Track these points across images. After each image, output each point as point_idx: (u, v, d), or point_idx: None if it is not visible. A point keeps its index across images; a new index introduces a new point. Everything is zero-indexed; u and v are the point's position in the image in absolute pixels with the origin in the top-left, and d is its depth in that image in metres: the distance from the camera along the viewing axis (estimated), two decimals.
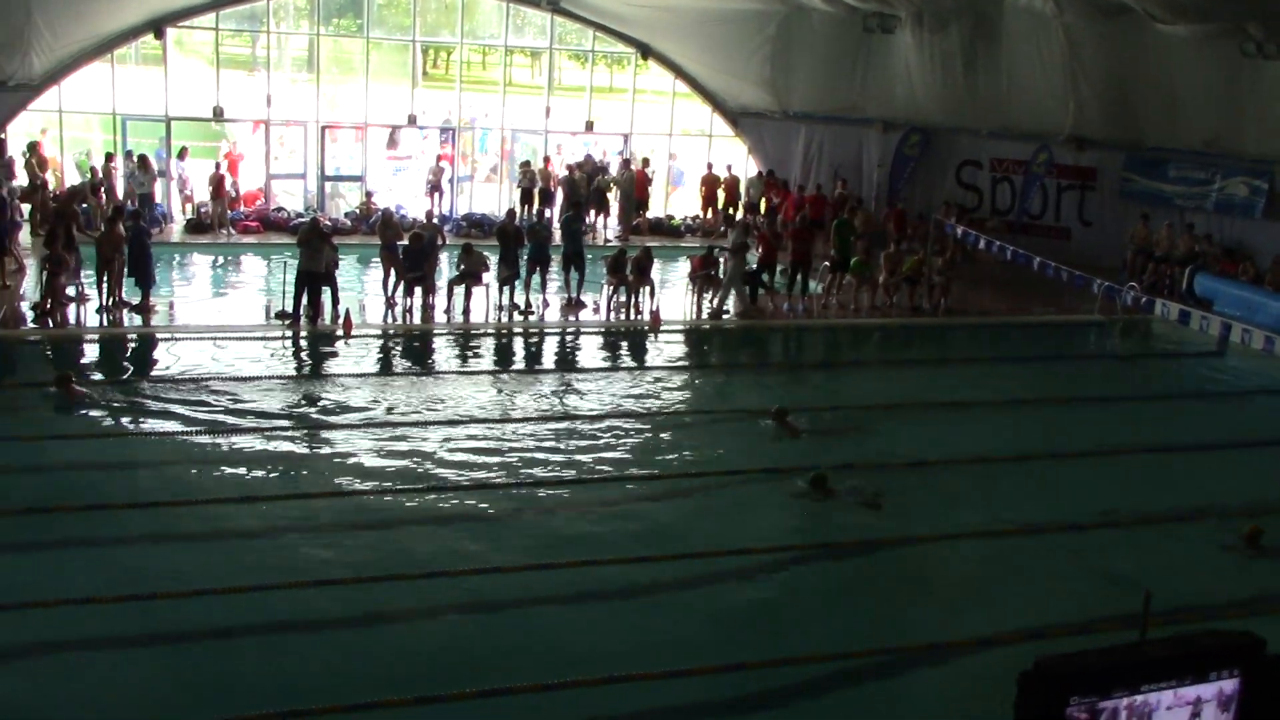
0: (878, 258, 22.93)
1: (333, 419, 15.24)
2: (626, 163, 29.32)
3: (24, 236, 22.21)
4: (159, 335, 18.59)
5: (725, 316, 21.40)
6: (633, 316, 21.11)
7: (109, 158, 25.60)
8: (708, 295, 21.86)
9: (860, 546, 12.27)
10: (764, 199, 29.12)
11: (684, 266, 24.10)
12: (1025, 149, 27.40)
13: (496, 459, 14.01)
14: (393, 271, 20.77)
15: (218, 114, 27.40)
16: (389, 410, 15.68)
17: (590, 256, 22.40)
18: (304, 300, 19.11)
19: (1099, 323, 22.77)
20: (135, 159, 25.48)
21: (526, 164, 28.59)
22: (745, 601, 11.09)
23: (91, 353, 18.08)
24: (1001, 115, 27.20)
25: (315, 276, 19.15)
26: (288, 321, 19.12)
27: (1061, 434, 16.16)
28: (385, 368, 18.14)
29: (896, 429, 16.10)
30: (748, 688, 9.47)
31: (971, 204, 28.21)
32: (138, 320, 18.99)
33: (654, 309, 20.99)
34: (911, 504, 13.43)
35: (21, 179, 24.08)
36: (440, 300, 20.80)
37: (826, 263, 22.79)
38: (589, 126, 30.35)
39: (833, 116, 29.36)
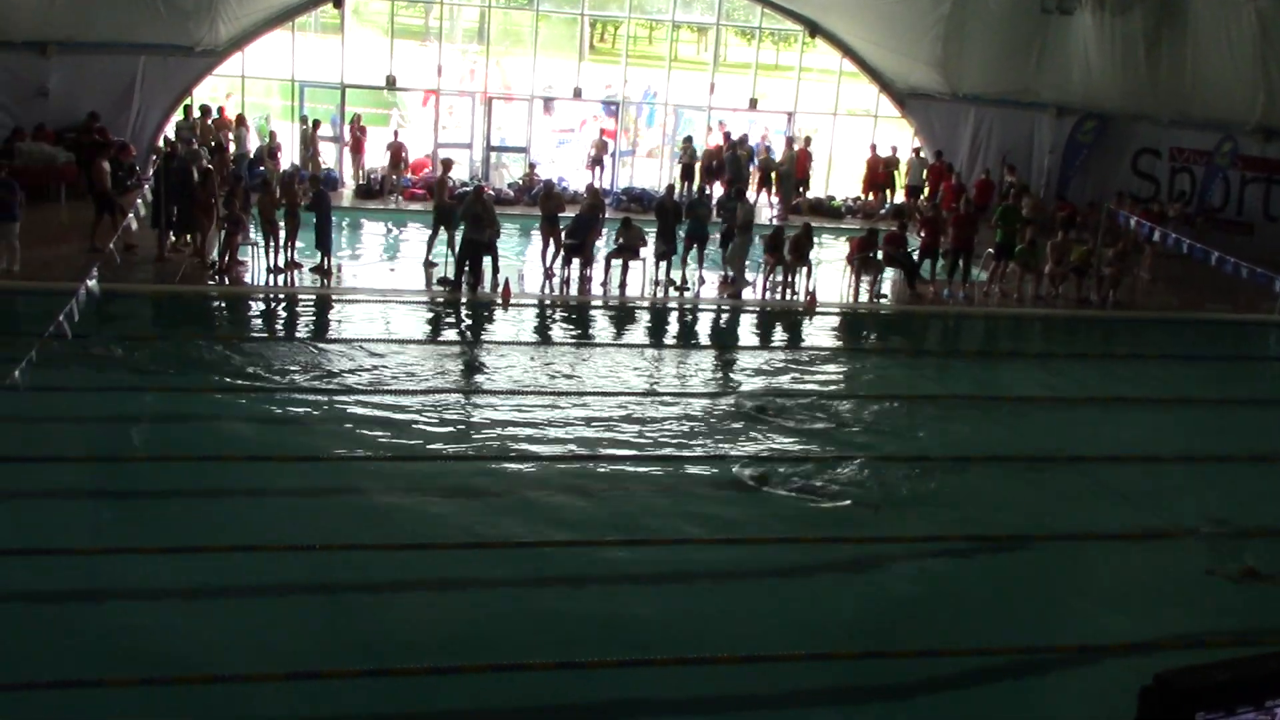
0: (1044, 246, 22.28)
1: (484, 385, 15.55)
2: (789, 141, 29.07)
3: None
4: (323, 296, 19.23)
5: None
6: (788, 297, 20.99)
7: (315, 124, 26.49)
8: (866, 278, 21.57)
9: (1009, 541, 12.00)
10: (926, 182, 28.59)
11: (843, 248, 23.82)
12: (1208, 138, 26.27)
13: (640, 431, 14.10)
14: (552, 243, 21.06)
15: (390, 83, 28.11)
16: (539, 378, 15.92)
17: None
18: (466, 268, 19.53)
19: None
20: (311, 124, 26.37)
21: (689, 140, 28.59)
22: (890, 590, 10.96)
23: (258, 309, 18.82)
24: (1184, 102, 26.09)
25: (477, 245, 19.54)
26: (449, 288, 19.56)
27: (1229, 437, 15.51)
28: (540, 337, 18.41)
29: (1052, 423, 15.71)
30: (880, 678, 9.40)
31: (1147, 194, 27.16)
32: (307, 281, 19.68)
33: (810, 290, 20.81)
34: (1060, 500, 13.11)
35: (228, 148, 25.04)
36: (597, 273, 21.01)
37: (990, 250, 22.26)
38: (753, 104, 30.18)
39: (1004, 100, 28.59)
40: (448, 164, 22.69)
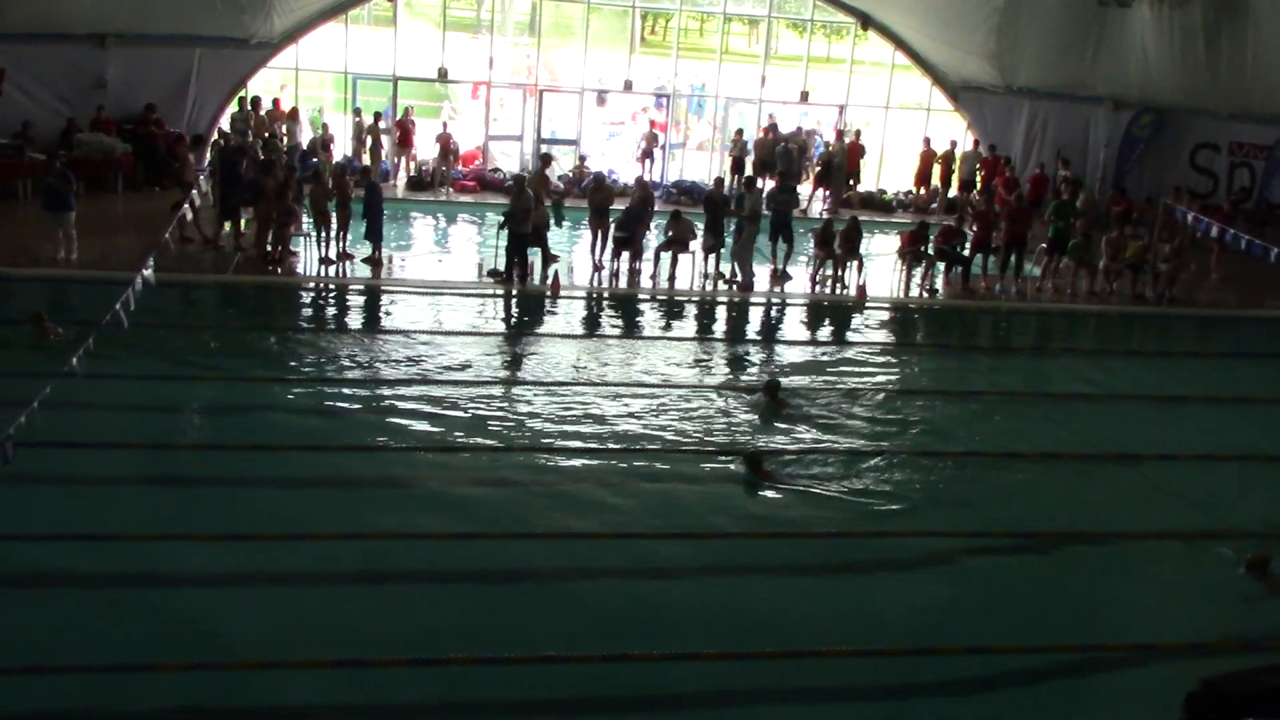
0: (1099, 242, 22.00)
1: (531, 377, 15.58)
2: (840, 134, 28.90)
3: None
4: (374, 286, 19.37)
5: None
6: (838, 290, 20.87)
7: (377, 117, 26.69)
8: (916, 272, 21.41)
9: (1059, 539, 11.87)
10: (979, 176, 28.30)
11: (893, 242, 23.66)
12: (1268, 133, 25.84)
13: (686, 425, 14.08)
14: (601, 235, 21.07)
15: (442, 75, 28.24)
16: (587, 371, 15.94)
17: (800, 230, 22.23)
18: (515, 260, 19.60)
19: None
20: (373, 116, 26.58)
21: (740, 133, 28.49)
22: (938, 587, 10.87)
23: (306, 299, 19.00)
24: (1244, 96, 25.61)
25: (526, 237, 19.60)
26: (498, 280, 19.63)
27: None
28: (589, 330, 18.43)
29: (1105, 420, 15.53)
30: (929, 674, 9.34)
31: (1205, 189, 26.74)
32: (358, 272, 19.82)
33: (860, 283, 20.68)
34: (1111, 498, 12.96)
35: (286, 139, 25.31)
36: (647, 265, 21.00)
37: (1043, 244, 22.01)
38: (804, 97, 30.01)
39: (1059, 93, 28.24)
40: (546, 159, 22.73)
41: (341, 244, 20.19)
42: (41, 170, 20.71)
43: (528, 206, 19.58)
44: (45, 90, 23.65)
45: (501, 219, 19.90)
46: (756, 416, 14.41)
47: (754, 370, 16.66)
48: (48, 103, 23.70)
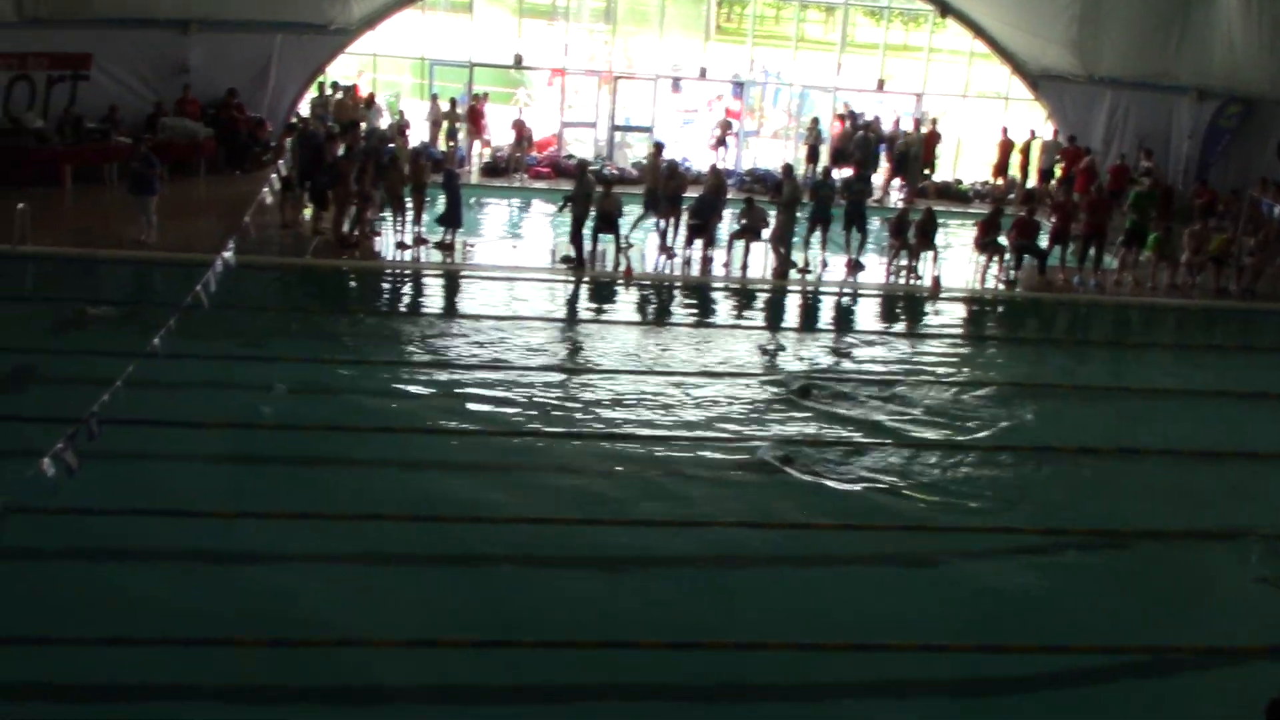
0: (1180, 235, 21.55)
1: (603, 364, 15.62)
2: (917, 123, 28.59)
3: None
4: (449, 271, 19.53)
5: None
6: (912, 281, 20.68)
7: (453, 103, 26.90)
8: (993, 263, 21.14)
9: (1133, 537, 11.68)
10: (1059, 167, 27.85)
11: (970, 233, 23.37)
12: None
13: (755, 414, 14.05)
14: (673, 223, 21.06)
15: (517, 61, 28.36)
16: (658, 358, 15.96)
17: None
18: (577, 245, 19.69)
19: None
20: (449, 103, 26.77)
21: (815, 121, 28.28)
22: (1008, 584, 10.75)
23: (382, 283, 19.22)
24: None
25: (586, 222, 19.66)
26: (571, 266, 19.71)
27: None
28: (660, 317, 18.45)
29: (1184, 416, 15.27)
30: (994, 671, 9.24)
31: None
32: (433, 256, 20.01)
33: (935, 274, 20.47)
34: (1189, 497, 12.74)
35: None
36: (719, 253, 20.96)
37: (1123, 236, 21.62)
38: (880, 85, 29.71)
39: (1142, 82, 27.62)
40: (659, 147, 22.78)
41: (418, 229, 20.40)
42: (127, 154, 21.14)
43: (588, 191, 19.63)
44: (131, 75, 24.10)
45: (561, 202, 19.98)
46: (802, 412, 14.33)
47: (824, 360, 16.56)
48: (133, 87, 24.14)
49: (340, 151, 20.35)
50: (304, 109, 26.13)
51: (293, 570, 9.94)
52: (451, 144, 26.37)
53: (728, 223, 21.87)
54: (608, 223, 20.03)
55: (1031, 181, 28.04)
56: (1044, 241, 21.64)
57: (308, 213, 20.96)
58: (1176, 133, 27.60)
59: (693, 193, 21.75)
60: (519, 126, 26.98)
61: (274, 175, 19.67)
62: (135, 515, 10.29)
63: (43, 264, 17.74)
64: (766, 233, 20.80)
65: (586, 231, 19.84)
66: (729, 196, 22.40)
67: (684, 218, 20.93)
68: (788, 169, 21.87)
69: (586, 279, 19.51)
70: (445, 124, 26.68)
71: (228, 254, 14.76)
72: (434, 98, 27.31)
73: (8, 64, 21.95)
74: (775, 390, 14.90)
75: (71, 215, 20.54)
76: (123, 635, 8.57)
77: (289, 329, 16.18)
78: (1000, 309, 20.51)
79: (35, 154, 21.75)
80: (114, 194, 21.50)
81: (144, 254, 18.49)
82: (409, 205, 20.24)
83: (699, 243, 20.79)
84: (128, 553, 9.91)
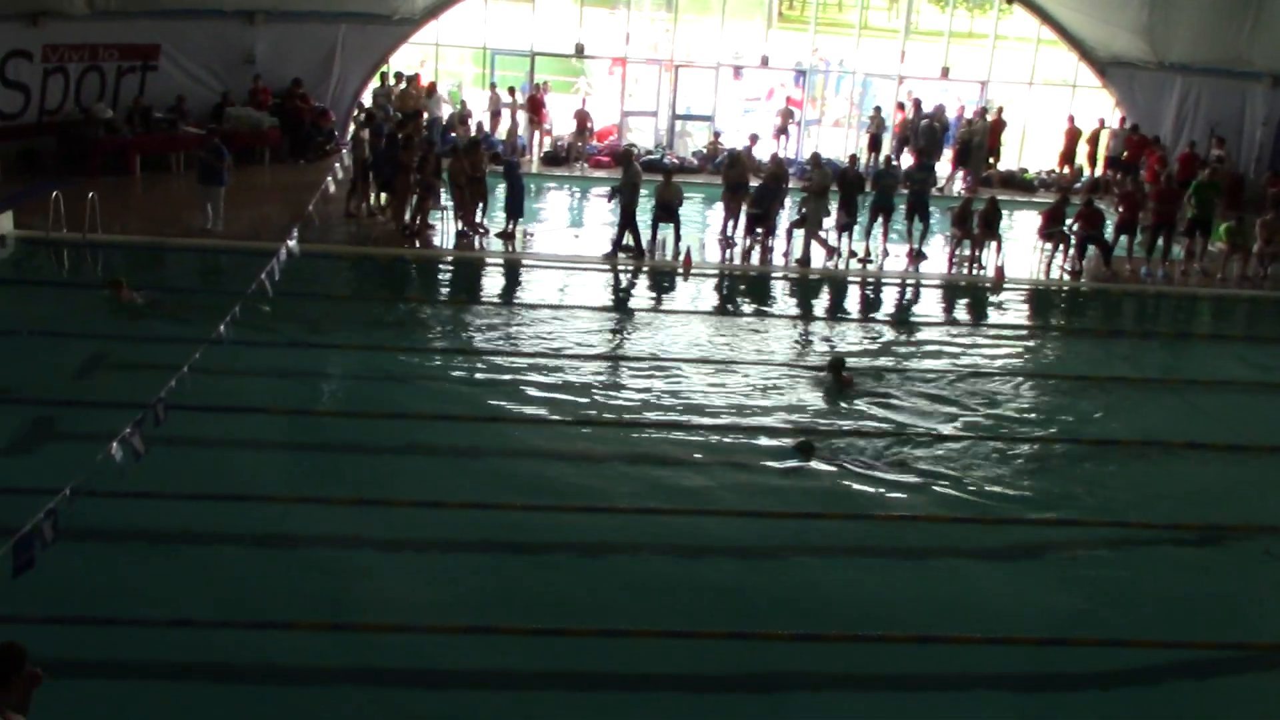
0: (1252, 224, 21.11)
1: (661, 353, 15.56)
2: (982, 112, 28.25)
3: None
4: (509, 260, 19.60)
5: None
6: (975, 271, 20.45)
7: (512, 91, 27.02)
8: (1058, 253, 20.84)
9: (1203, 531, 11.44)
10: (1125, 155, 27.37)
11: (1034, 222, 23.06)
12: None
13: (814, 404, 13.97)
14: (733, 211, 20.99)
15: (579, 50, 28.40)
16: (717, 348, 15.89)
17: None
18: (650, 236, 19.70)
19: None
20: (508, 91, 26.91)
21: (877, 109, 28.05)
22: (1076, 577, 10.59)
23: (444, 273, 19.34)
24: None
25: (635, 211, 19.68)
26: (630, 255, 19.71)
27: None
28: (719, 307, 18.39)
29: (1256, 410, 14.96)
30: (1062, 666, 9.12)
31: None
32: (493, 245, 20.09)
33: (998, 264, 20.22)
34: (1261, 491, 12.48)
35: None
36: (779, 243, 20.85)
37: (1183, 227, 21.18)
38: (944, 73, 29.41)
39: (1214, 68, 27.07)
40: (754, 139, 22.71)
41: (483, 218, 20.52)
42: (195, 144, 21.47)
43: (635, 181, 19.62)
44: (198, 66, 24.47)
45: (609, 191, 19.99)
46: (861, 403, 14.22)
47: (886, 351, 16.42)
48: (200, 78, 24.51)
49: (401, 141, 20.49)
50: (366, 99, 26.34)
51: (352, 555, 10.03)
52: (511, 134, 26.46)
53: (789, 212, 21.77)
54: (667, 212, 20.02)
55: (1098, 170, 27.62)
56: (1110, 232, 21.29)
57: (370, 202, 21.15)
58: (1250, 120, 27.02)
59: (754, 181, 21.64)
60: (581, 117, 27.05)
61: (337, 165, 19.85)
62: (199, 499, 10.44)
63: (112, 252, 18.05)
64: (829, 222, 20.68)
65: (646, 220, 19.83)
66: (790, 186, 22.28)
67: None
68: (815, 158, 21.68)
69: (645, 268, 19.50)
70: (505, 113, 26.79)
71: (291, 242, 14.92)
72: (493, 86, 27.43)
73: (79, 55, 22.38)
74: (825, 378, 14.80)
75: (140, 204, 20.91)
76: (185, 617, 8.69)
77: (351, 316, 16.32)
78: (1065, 299, 20.17)
79: (105, 144, 22.18)
80: (181, 183, 21.85)
81: (209, 242, 18.76)
82: (470, 194, 20.34)
83: (758, 231, 20.69)
84: (191, 536, 10.06)
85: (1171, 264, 21.08)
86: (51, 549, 7.74)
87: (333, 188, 19.94)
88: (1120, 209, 21.56)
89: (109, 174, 21.63)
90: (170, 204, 20.69)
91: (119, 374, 13.67)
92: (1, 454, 11.31)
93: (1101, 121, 28.16)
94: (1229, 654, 9.49)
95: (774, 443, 12.81)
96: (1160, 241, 21.02)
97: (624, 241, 19.75)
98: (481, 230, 20.41)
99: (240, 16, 24.54)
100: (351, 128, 23.94)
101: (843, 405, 13.96)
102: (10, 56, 21.36)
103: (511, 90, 26.99)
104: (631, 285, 19.13)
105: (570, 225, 23.48)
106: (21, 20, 21.24)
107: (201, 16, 24.00)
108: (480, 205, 20.50)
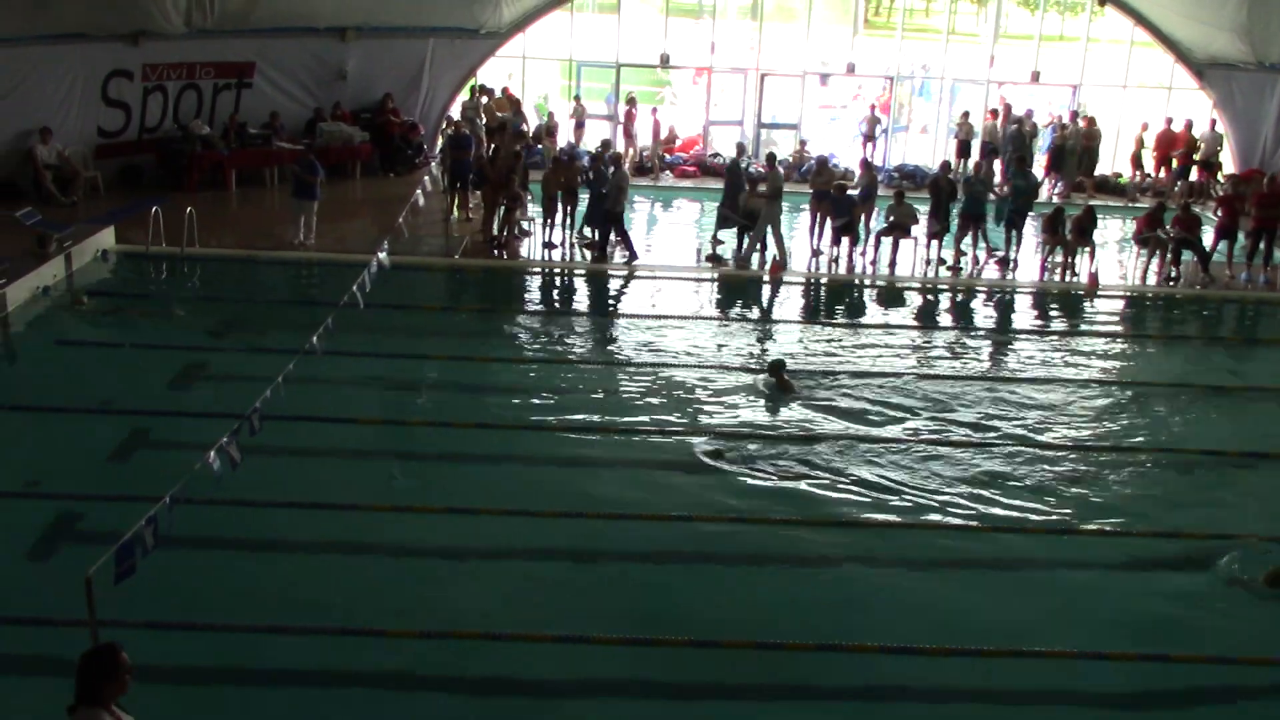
0: None
1: (749, 364, 15.49)
2: (1074, 116, 27.74)
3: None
4: (594, 270, 19.69)
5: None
6: (1068, 279, 20.07)
7: (631, 100, 27.23)
8: (1154, 259, 20.37)
9: None
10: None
11: (1128, 228, 22.59)
12: None
13: (901, 413, 13.81)
14: (820, 219, 20.86)
15: (664, 60, 28.45)
16: (802, 358, 15.77)
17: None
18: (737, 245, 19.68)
19: None
20: (582, 103, 27.06)
21: (965, 115, 27.69)
22: (1173, 589, 10.32)
23: (533, 283, 19.51)
24: None
25: (728, 220, 19.68)
26: (717, 264, 19.68)
27: None
28: (807, 315, 18.29)
29: None
30: (1161, 683, 8.91)
31: None
32: (580, 256, 20.20)
33: (1092, 271, 19.82)
34: None
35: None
36: (867, 251, 20.67)
37: None
38: (1035, 77, 28.90)
39: None
40: (821, 161, 22.70)
41: (572, 229, 20.70)
42: (289, 159, 21.91)
43: (779, 185, 19.78)
44: (291, 82, 24.94)
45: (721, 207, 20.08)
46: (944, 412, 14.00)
47: (974, 360, 16.19)
48: (293, 94, 24.98)
49: (489, 154, 20.71)
50: (455, 112, 26.64)
51: (443, 564, 10.13)
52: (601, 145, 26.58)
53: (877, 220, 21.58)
54: (754, 220, 19.99)
55: (1194, 175, 26.96)
56: (1208, 238, 20.77)
57: (456, 214, 21.39)
58: None
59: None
60: (655, 126, 27.16)
61: (426, 178, 20.13)
62: (293, 508, 10.61)
63: (208, 265, 18.47)
64: (917, 229, 20.46)
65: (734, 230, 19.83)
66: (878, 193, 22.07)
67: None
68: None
69: (732, 276, 19.48)
70: (587, 123, 26.95)
71: (382, 255, 15.12)
72: (577, 99, 27.59)
73: (177, 74, 22.95)
74: (924, 388, 14.60)
75: (235, 218, 21.37)
76: (280, 624, 8.83)
77: (440, 327, 16.49)
78: (1161, 306, 19.67)
79: (202, 160, 22.70)
80: (275, 197, 22.29)
81: (302, 255, 19.10)
82: (559, 206, 20.51)
83: (845, 239, 20.52)
84: (285, 544, 10.23)
85: (1274, 270, 20.49)
86: (151, 556, 7.90)
87: (422, 200, 20.17)
88: (1219, 214, 21.01)
89: (206, 189, 22.15)
90: (264, 218, 21.13)
91: (216, 384, 13.96)
92: (104, 463, 11.61)
93: (1189, 122, 27.40)
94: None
95: (852, 444, 12.69)
96: (1262, 246, 20.44)
97: (713, 251, 19.78)
98: (584, 241, 20.52)
99: (332, 33, 24.98)
100: (440, 141, 24.24)
101: (933, 410, 13.77)
102: (112, 76, 21.99)
103: (631, 100, 27.18)
104: (719, 294, 19.07)
105: (655, 235, 23.45)
106: (122, 40, 21.85)
107: (295, 34, 24.47)
108: (571, 215, 20.66)
